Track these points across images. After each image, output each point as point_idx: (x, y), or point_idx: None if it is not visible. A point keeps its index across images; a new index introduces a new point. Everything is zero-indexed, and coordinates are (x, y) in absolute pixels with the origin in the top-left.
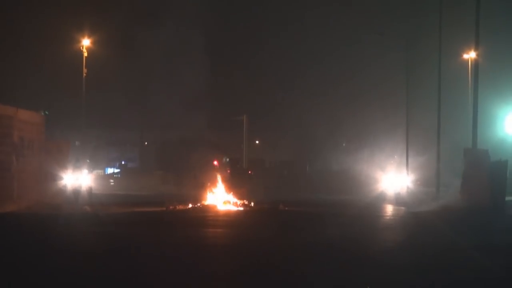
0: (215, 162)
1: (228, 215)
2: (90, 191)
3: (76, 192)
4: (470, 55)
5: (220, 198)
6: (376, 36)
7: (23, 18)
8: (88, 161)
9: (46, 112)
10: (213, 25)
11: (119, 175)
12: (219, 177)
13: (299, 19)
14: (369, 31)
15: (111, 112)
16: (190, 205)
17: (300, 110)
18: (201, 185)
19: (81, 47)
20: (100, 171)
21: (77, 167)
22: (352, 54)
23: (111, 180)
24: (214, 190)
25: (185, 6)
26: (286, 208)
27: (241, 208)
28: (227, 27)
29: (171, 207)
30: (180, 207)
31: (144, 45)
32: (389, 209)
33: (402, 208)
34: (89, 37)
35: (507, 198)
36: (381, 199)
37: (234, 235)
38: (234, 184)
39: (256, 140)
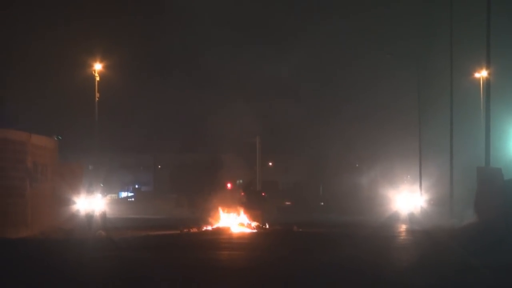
0: (229, 185)
1: (242, 237)
2: (104, 215)
3: (90, 217)
4: (482, 74)
5: (234, 220)
6: (387, 56)
7: (35, 44)
8: (101, 185)
9: (59, 137)
10: (224, 48)
11: (133, 199)
12: (232, 200)
13: (311, 39)
14: (380, 51)
15: (124, 136)
16: (204, 228)
17: (313, 131)
18: (214, 207)
19: (93, 72)
20: (113, 195)
21: (90, 191)
22: (363, 74)
23: (130, 198)
24: (227, 212)
25: (197, 29)
26: (300, 230)
27: (255, 230)
28: (239, 50)
29: (185, 230)
30: (194, 230)
31: (157, 69)
32: (403, 229)
33: (416, 228)
34: (101, 61)
35: None
36: (395, 219)
37: (249, 257)
38: (248, 206)
39: (270, 162)
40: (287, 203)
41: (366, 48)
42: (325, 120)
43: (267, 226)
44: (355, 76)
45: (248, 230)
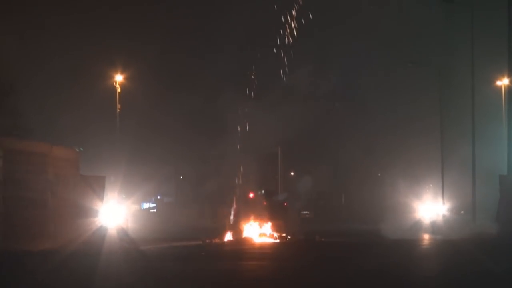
0: (251, 195)
1: (265, 248)
2: (127, 227)
3: (113, 229)
4: (503, 82)
5: (256, 231)
6: (408, 65)
7: (57, 54)
8: (124, 196)
9: (81, 148)
10: (246, 57)
11: (155, 210)
12: (255, 210)
13: (330, 50)
14: (401, 60)
15: (146, 146)
16: (226, 238)
17: (335, 141)
18: (237, 218)
19: (114, 83)
20: (136, 206)
21: (112, 202)
22: (384, 83)
23: (152, 210)
24: (250, 222)
25: (217, 40)
26: (323, 239)
27: (278, 240)
28: (260, 58)
29: (207, 240)
30: (217, 240)
31: (178, 81)
32: (426, 238)
33: (439, 236)
34: (122, 72)
35: None
36: (417, 228)
37: (272, 268)
38: (270, 216)
39: (291, 171)
40: (305, 212)
41: (387, 58)
42: (348, 130)
43: (290, 236)
44: (376, 84)
45: (270, 240)
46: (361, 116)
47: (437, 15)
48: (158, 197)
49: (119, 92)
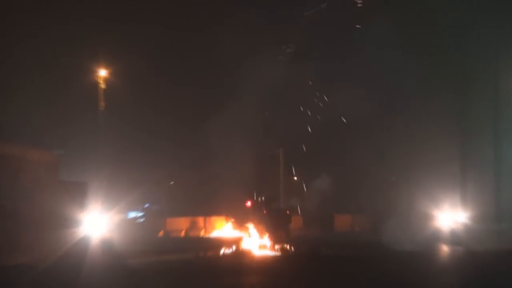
0: (249, 203)
1: (265, 262)
2: (111, 237)
3: (96, 240)
4: None
5: (256, 242)
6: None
7: (35, 49)
8: (106, 204)
9: (60, 151)
10: (241, 59)
11: (143, 219)
12: (253, 219)
13: (340, 52)
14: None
15: (135, 149)
16: (222, 251)
17: (342, 144)
18: (233, 227)
19: (97, 78)
20: (121, 215)
21: (95, 211)
22: (396, 84)
23: (139, 219)
24: (248, 233)
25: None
26: (329, 252)
27: (279, 253)
28: (256, 62)
29: (201, 253)
30: (212, 253)
31: (173, 76)
32: (444, 249)
33: (459, 247)
34: (106, 68)
35: None
36: (435, 238)
37: (273, 285)
38: (271, 226)
39: (294, 176)
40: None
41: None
42: (357, 132)
43: (293, 248)
44: (389, 84)
45: (271, 253)
46: (371, 116)
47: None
48: (147, 205)
49: (103, 88)
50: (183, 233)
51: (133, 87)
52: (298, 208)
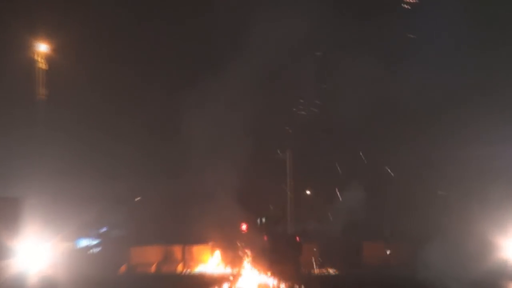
0: (244, 226)
1: None
2: (54, 275)
3: (33, 278)
4: None
5: (254, 282)
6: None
7: None
8: (48, 228)
9: None
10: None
11: (98, 249)
12: (250, 248)
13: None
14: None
15: (85, 154)
16: None
17: (373, 146)
18: (223, 260)
19: (35, 55)
20: (69, 244)
21: (32, 237)
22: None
23: (94, 248)
24: (244, 268)
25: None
26: None
27: None
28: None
29: None
30: None
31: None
32: None
33: None
34: (48, 41)
35: None
36: (501, 273)
37: None
38: (275, 257)
39: (307, 190)
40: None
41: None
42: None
43: None
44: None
45: None
46: (409, 121)
47: None
48: (104, 230)
49: (43, 70)
50: (153, 268)
51: (85, 70)
52: (313, 233)
